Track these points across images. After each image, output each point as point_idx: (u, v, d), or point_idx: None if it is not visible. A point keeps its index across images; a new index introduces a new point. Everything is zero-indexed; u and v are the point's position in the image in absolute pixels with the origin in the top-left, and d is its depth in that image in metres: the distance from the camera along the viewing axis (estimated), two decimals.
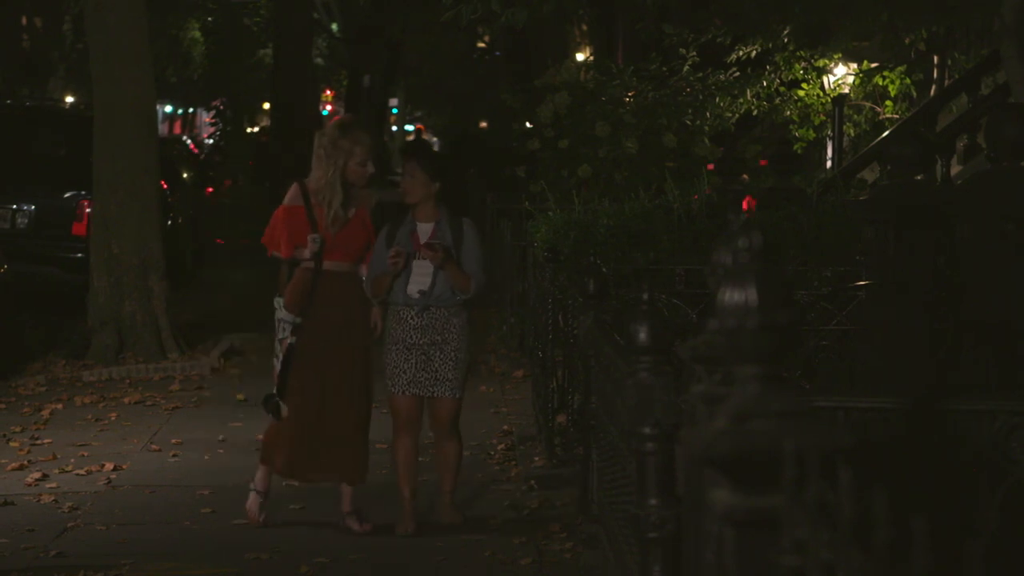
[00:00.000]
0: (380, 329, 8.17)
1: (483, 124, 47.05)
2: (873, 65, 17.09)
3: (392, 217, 8.39)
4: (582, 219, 10.13)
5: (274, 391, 8.12)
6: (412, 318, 8.03)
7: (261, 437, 8.49)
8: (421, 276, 8.01)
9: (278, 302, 8.18)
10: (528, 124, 15.45)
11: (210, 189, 24.56)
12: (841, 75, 17.00)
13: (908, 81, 16.91)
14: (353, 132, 8.23)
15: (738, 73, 15.78)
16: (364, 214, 8.30)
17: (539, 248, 10.64)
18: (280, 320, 8.14)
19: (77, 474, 9.36)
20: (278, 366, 8.14)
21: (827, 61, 16.76)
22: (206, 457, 9.94)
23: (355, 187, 8.21)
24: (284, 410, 8.06)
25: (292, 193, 8.22)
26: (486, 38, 47.19)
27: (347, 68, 49.06)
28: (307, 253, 8.08)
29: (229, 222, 28.09)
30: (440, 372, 8.03)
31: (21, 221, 16.57)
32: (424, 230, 8.08)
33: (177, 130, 54.09)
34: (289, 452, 8.08)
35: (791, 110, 16.57)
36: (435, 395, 8.06)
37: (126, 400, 12.03)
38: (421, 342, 8.01)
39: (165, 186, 15.26)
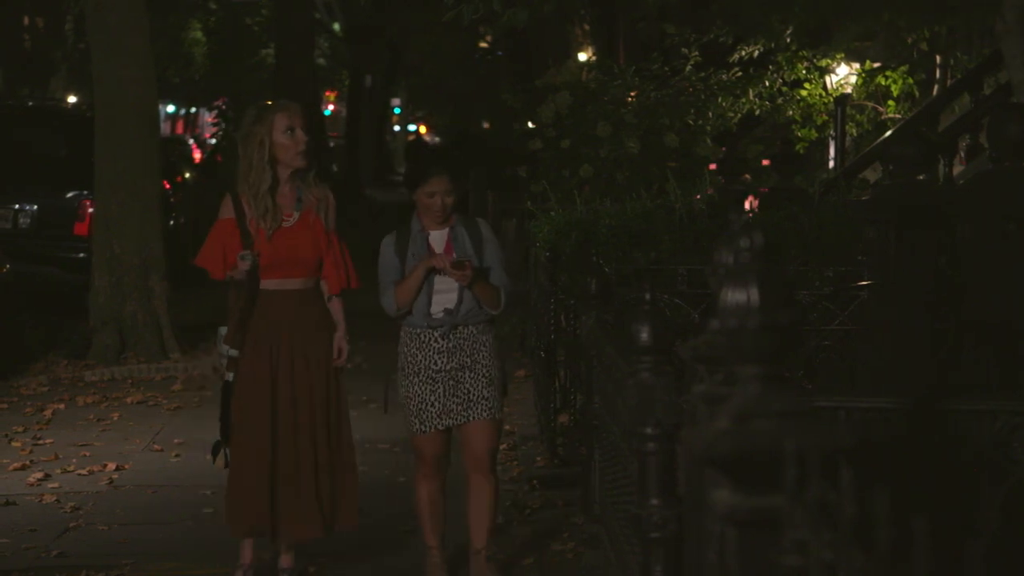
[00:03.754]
0: (345, 355, 7.01)
1: (485, 124, 47.07)
2: (875, 65, 17.10)
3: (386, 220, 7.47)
4: (584, 219, 10.12)
5: (220, 436, 7.03)
6: (436, 340, 6.86)
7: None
8: (445, 293, 6.86)
9: (220, 332, 6.99)
10: (529, 124, 15.45)
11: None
12: (843, 75, 17.01)
13: (910, 81, 16.91)
14: (276, 104, 6.98)
15: (740, 73, 15.78)
16: (314, 217, 6.94)
17: (541, 248, 10.64)
18: (221, 356, 6.97)
19: (79, 474, 9.36)
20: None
21: (829, 61, 16.77)
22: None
23: (289, 169, 6.87)
24: (221, 459, 7.01)
25: (224, 204, 6.95)
26: (488, 38, 47.20)
27: (349, 68, 49.08)
28: (238, 274, 6.81)
29: None
30: (472, 393, 6.87)
31: (23, 221, 16.58)
32: (438, 237, 6.93)
33: (179, 130, 54.11)
34: (247, 508, 6.90)
35: (793, 110, 16.57)
36: (469, 420, 6.86)
37: (128, 400, 12.04)
38: (448, 367, 6.86)
39: (167, 186, 15.28)
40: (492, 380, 6.91)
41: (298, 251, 6.87)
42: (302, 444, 6.86)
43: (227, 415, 6.90)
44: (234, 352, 6.84)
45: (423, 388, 6.86)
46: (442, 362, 6.86)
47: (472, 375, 6.87)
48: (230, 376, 6.88)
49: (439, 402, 6.84)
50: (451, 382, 6.85)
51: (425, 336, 6.88)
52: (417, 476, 7.05)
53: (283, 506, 6.87)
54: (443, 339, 6.86)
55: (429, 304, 6.85)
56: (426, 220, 6.91)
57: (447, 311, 6.85)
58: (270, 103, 7.00)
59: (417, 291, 6.82)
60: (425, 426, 6.86)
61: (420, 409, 6.86)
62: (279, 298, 6.87)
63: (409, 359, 6.91)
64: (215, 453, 7.04)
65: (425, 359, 6.87)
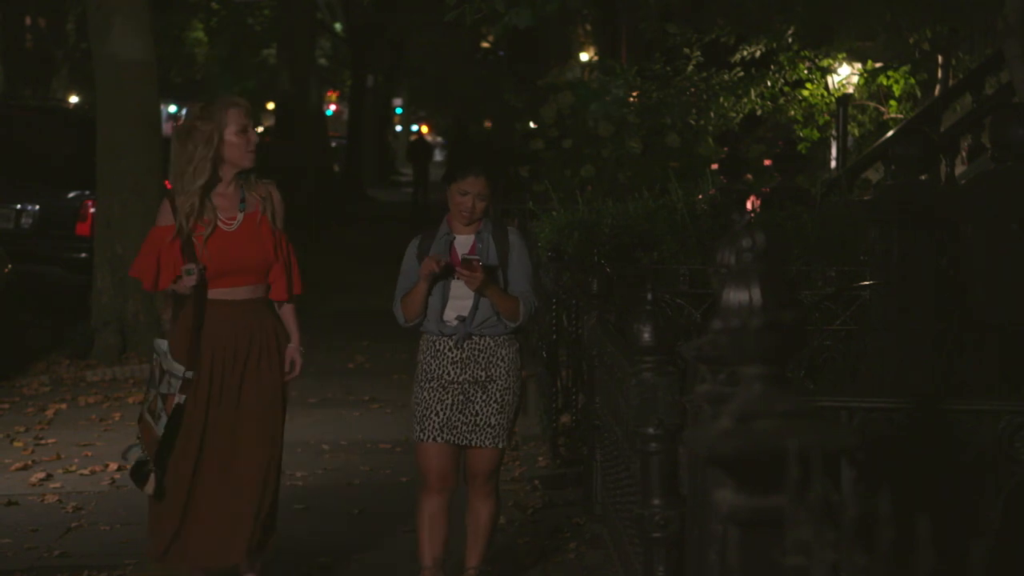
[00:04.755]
0: (298, 369, 6.50)
1: (487, 124, 47.09)
2: (877, 65, 17.11)
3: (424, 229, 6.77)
4: (586, 219, 10.14)
5: (145, 458, 6.29)
6: (450, 350, 6.50)
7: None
8: (460, 299, 6.49)
9: (161, 346, 6.31)
10: (532, 124, 15.48)
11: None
12: (845, 75, 17.03)
13: (912, 81, 16.92)
14: (226, 100, 6.43)
15: (742, 73, 15.80)
16: (261, 218, 6.37)
17: (543, 248, 10.65)
18: (167, 372, 6.26)
19: (81, 474, 9.36)
20: (157, 427, 6.25)
21: (831, 61, 16.78)
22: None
23: (236, 168, 6.33)
24: (151, 484, 6.27)
25: (163, 210, 6.37)
26: (490, 38, 47.20)
27: (350, 68, 49.11)
28: (184, 288, 6.22)
29: None
30: (481, 416, 6.49)
31: (25, 221, 16.57)
32: (463, 242, 6.54)
33: None
34: (171, 535, 6.32)
35: (795, 110, 16.59)
36: (472, 444, 6.51)
37: (130, 400, 12.04)
38: (460, 379, 6.49)
39: (169, 186, 15.28)
40: (504, 406, 6.50)
41: (243, 256, 6.28)
42: (238, 468, 6.31)
43: (172, 438, 6.23)
44: (190, 374, 6.22)
45: (431, 396, 6.49)
46: (455, 373, 6.49)
47: (484, 396, 6.48)
48: (181, 398, 6.21)
49: (444, 412, 6.47)
50: (461, 396, 6.48)
51: (439, 344, 6.51)
52: (419, 488, 6.63)
53: (201, 532, 6.31)
54: (456, 348, 6.48)
55: (443, 310, 6.49)
56: (454, 221, 6.56)
57: (460, 318, 6.47)
58: (218, 99, 6.46)
59: (423, 303, 6.48)
60: (425, 434, 6.48)
61: (423, 415, 6.50)
62: (225, 310, 6.29)
63: (424, 367, 6.56)
64: (143, 478, 6.30)
65: (439, 368, 6.50)
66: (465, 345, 6.48)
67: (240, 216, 6.30)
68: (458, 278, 6.41)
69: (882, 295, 7.17)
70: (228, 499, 6.32)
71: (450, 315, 6.49)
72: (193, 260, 6.20)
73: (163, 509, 6.32)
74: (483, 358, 6.49)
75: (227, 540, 6.33)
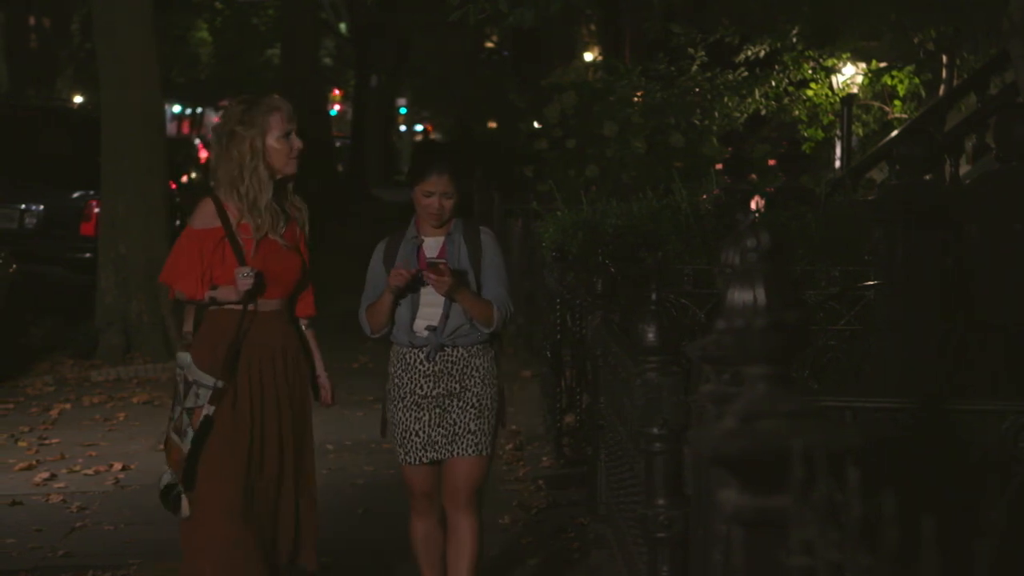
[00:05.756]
0: (330, 395, 6.29)
1: (491, 124, 47.10)
2: (882, 65, 17.10)
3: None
4: (590, 219, 10.13)
5: (174, 480, 5.89)
6: (421, 363, 6.13)
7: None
8: (430, 307, 6.11)
9: (184, 359, 5.92)
10: (535, 124, 15.48)
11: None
12: (850, 75, 17.02)
13: (917, 81, 16.91)
14: (269, 102, 5.98)
15: (746, 73, 15.80)
16: (299, 231, 6.08)
17: (547, 248, 10.65)
18: (194, 383, 5.85)
19: (85, 474, 9.37)
20: (183, 444, 5.83)
21: (835, 61, 16.77)
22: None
23: (278, 175, 5.94)
24: (185, 506, 5.85)
25: (204, 212, 5.94)
26: (493, 38, 47.23)
27: (354, 68, 49.12)
28: (236, 293, 5.85)
29: None
30: (459, 424, 6.10)
31: (29, 221, 16.58)
32: (432, 245, 6.15)
33: (185, 130, 54.17)
34: (231, 564, 5.85)
35: (800, 110, 16.58)
36: (453, 455, 6.12)
37: (134, 400, 12.05)
38: (434, 392, 6.11)
39: (173, 186, 15.27)
40: (483, 411, 6.11)
41: (286, 267, 5.99)
42: (287, 483, 6.01)
43: (198, 455, 5.83)
44: (220, 383, 5.83)
45: (407, 415, 6.14)
46: (428, 387, 6.12)
47: (461, 404, 6.10)
48: (210, 409, 5.81)
49: (424, 432, 6.12)
50: (437, 410, 6.10)
51: (410, 356, 6.15)
52: (411, 512, 6.33)
53: (272, 551, 6.00)
54: (428, 361, 6.11)
55: (412, 320, 6.13)
56: (422, 223, 6.18)
57: (431, 328, 6.10)
58: (259, 97, 6.07)
59: (389, 314, 6.12)
60: (410, 456, 6.15)
61: (404, 438, 6.16)
62: (263, 321, 5.96)
63: (395, 381, 6.21)
64: (175, 502, 5.89)
65: (411, 381, 6.14)
66: (437, 357, 6.11)
67: (283, 225, 5.98)
68: (426, 283, 6.06)
69: (886, 295, 7.16)
70: (294, 509, 6.03)
71: (420, 325, 6.12)
72: (243, 265, 5.87)
73: (214, 537, 5.84)
74: (456, 370, 6.13)
75: (300, 549, 6.06)
